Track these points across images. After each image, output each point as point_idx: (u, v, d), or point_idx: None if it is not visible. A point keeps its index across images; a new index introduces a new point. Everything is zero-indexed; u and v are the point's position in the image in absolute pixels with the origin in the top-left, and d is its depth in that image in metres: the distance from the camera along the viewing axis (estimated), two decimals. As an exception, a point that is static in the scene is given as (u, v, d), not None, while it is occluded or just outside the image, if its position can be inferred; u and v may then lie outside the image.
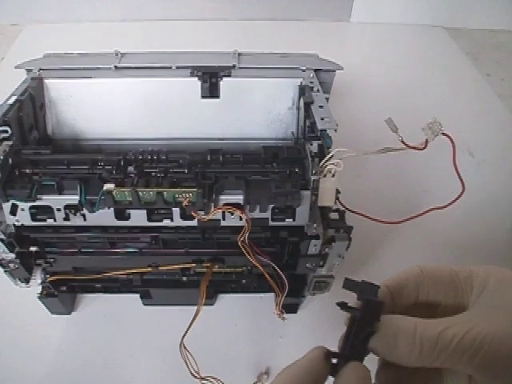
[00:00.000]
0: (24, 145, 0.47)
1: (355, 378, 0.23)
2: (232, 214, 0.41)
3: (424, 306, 0.27)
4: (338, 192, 0.42)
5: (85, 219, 0.41)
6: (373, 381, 0.25)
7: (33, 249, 0.44)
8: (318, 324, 0.56)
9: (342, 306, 0.26)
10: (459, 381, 0.24)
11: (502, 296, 0.23)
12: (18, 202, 0.39)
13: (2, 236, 0.41)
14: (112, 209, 0.40)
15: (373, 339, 0.24)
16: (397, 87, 0.96)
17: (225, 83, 0.53)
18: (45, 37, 1.08)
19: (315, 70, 0.54)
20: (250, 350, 0.54)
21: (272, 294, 0.54)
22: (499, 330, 0.21)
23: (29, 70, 0.53)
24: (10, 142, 0.42)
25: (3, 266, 0.44)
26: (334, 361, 0.25)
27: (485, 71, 1.06)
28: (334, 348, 0.26)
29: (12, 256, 0.43)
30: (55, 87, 0.53)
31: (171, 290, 0.53)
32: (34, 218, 0.41)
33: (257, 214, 0.41)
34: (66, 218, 0.41)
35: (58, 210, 0.40)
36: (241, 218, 0.41)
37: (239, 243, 0.42)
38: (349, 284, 0.26)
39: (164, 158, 0.43)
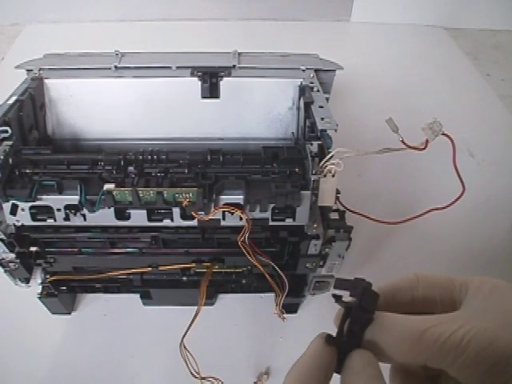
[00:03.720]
0: (24, 145, 0.47)
1: (363, 363, 0.23)
2: (232, 213, 0.41)
3: (417, 313, 0.27)
4: (337, 192, 0.42)
5: (85, 219, 0.41)
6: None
7: (33, 249, 0.44)
8: (318, 324, 0.56)
9: (337, 298, 0.25)
10: None
11: (494, 302, 0.24)
12: (18, 202, 0.39)
13: (2, 236, 0.41)
14: (112, 209, 0.40)
15: (370, 327, 0.24)
16: (397, 87, 0.96)
17: (225, 83, 0.53)
18: (45, 37, 1.08)
19: (315, 70, 0.54)
20: (250, 350, 0.54)
21: (272, 294, 0.54)
22: (486, 331, 0.21)
23: (29, 70, 0.53)
24: (10, 142, 0.42)
25: (3, 266, 0.44)
26: None
27: (485, 71, 1.06)
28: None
29: (12, 256, 0.43)
30: (55, 87, 0.53)
31: (171, 290, 0.53)
32: (34, 218, 0.41)
33: (257, 214, 0.41)
34: (66, 218, 0.41)
35: (58, 210, 0.40)
36: (241, 218, 0.41)
37: (239, 243, 0.42)
38: (341, 283, 0.25)
39: (164, 157, 0.43)
